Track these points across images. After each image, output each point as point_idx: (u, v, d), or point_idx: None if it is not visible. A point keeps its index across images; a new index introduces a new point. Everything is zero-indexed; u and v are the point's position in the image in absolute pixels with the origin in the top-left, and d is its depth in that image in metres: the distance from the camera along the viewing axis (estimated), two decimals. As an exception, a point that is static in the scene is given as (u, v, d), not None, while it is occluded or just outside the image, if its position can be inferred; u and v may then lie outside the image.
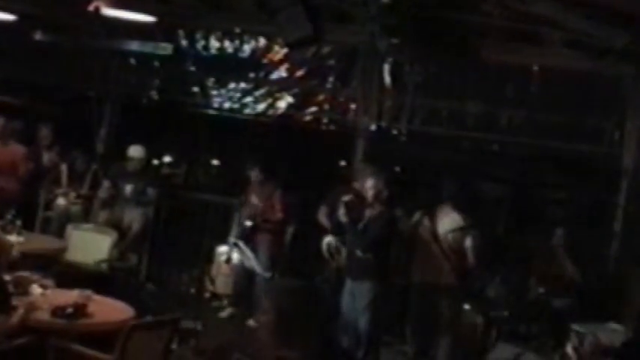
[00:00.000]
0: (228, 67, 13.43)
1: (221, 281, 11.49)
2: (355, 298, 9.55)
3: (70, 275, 9.21)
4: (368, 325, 9.46)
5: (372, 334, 9.56)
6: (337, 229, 9.98)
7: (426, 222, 9.99)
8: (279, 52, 13.07)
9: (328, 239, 9.92)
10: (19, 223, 9.80)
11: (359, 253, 9.51)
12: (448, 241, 9.86)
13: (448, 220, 9.95)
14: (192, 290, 11.66)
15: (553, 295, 10.54)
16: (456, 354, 9.99)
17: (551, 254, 11.03)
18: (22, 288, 7.40)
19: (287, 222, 11.50)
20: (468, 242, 9.83)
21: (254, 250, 10.65)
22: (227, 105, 13.56)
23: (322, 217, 10.73)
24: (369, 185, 9.61)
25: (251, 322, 10.24)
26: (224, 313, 11.30)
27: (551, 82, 11.92)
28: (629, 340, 9.11)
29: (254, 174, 11.39)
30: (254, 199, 11.34)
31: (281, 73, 13.23)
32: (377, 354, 9.88)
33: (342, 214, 9.67)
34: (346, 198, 9.72)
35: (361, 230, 9.55)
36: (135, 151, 11.87)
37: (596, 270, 11.29)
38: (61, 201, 12.00)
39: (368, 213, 9.58)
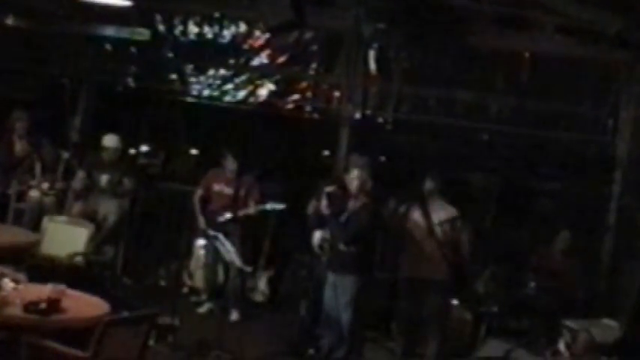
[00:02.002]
0: (208, 53, 13.25)
1: (200, 275, 11.38)
2: (338, 293, 9.41)
3: (43, 269, 9.12)
4: (351, 320, 9.35)
5: (355, 330, 9.46)
6: (319, 222, 9.69)
7: (414, 214, 9.90)
8: (261, 37, 12.90)
9: (320, 233, 9.62)
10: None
11: (342, 245, 9.37)
12: (437, 233, 9.76)
13: (436, 212, 9.88)
14: (170, 284, 11.48)
15: (545, 290, 10.42)
16: (445, 351, 9.92)
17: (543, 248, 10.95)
18: (-7, 283, 7.29)
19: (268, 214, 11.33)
20: (458, 234, 9.72)
21: (233, 243, 10.37)
22: (206, 92, 13.37)
23: (312, 210, 10.45)
24: (352, 176, 9.50)
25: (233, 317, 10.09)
26: (202, 308, 11.19)
27: (543, 69, 11.87)
28: (624, 336, 9.04)
29: (229, 164, 11.11)
30: (227, 190, 11.13)
31: (262, 59, 13.03)
32: (360, 351, 9.78)
33: (324, 205, 9.56)
34: (329, 189, 9.60)
35: (344, 222, 9.41)
36: (110, 140, 11.69)
37: (589, 264, 11.23)
38: (34, 192, 11.75)
39: (351, 204, 9.44)
